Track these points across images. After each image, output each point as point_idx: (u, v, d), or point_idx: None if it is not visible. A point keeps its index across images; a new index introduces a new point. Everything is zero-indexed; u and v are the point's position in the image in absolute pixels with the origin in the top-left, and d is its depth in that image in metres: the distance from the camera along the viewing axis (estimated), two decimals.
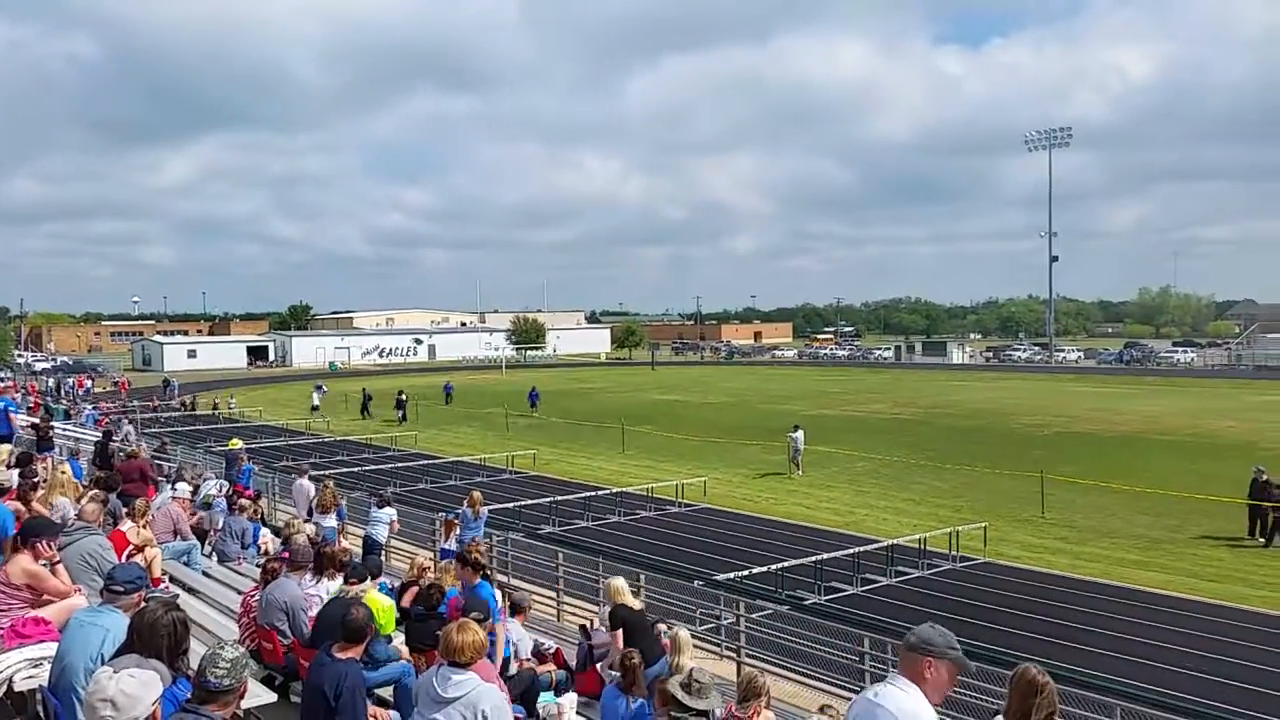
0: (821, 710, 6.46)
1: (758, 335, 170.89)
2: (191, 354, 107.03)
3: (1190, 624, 15.83)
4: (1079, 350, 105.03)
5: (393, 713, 6.52)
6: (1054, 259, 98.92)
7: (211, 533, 13.18)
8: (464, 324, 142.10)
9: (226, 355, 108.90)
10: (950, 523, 21.52)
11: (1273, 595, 17.43)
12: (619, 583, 8.90)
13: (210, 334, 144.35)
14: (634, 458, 35.38)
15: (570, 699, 7.57)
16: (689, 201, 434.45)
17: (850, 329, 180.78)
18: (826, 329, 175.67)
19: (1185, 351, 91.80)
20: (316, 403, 54.33)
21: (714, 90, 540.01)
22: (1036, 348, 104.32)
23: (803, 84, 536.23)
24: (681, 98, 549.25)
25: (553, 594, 14.92)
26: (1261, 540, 21.12)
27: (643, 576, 14.57)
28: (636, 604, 8.96)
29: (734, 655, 12.55)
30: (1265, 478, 21.67)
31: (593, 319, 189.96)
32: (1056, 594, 17.66)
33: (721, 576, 17.09)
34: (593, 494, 25.62)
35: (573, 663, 8.72)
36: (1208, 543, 21.42)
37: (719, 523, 24.17)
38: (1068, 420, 44.95)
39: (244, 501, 13.75)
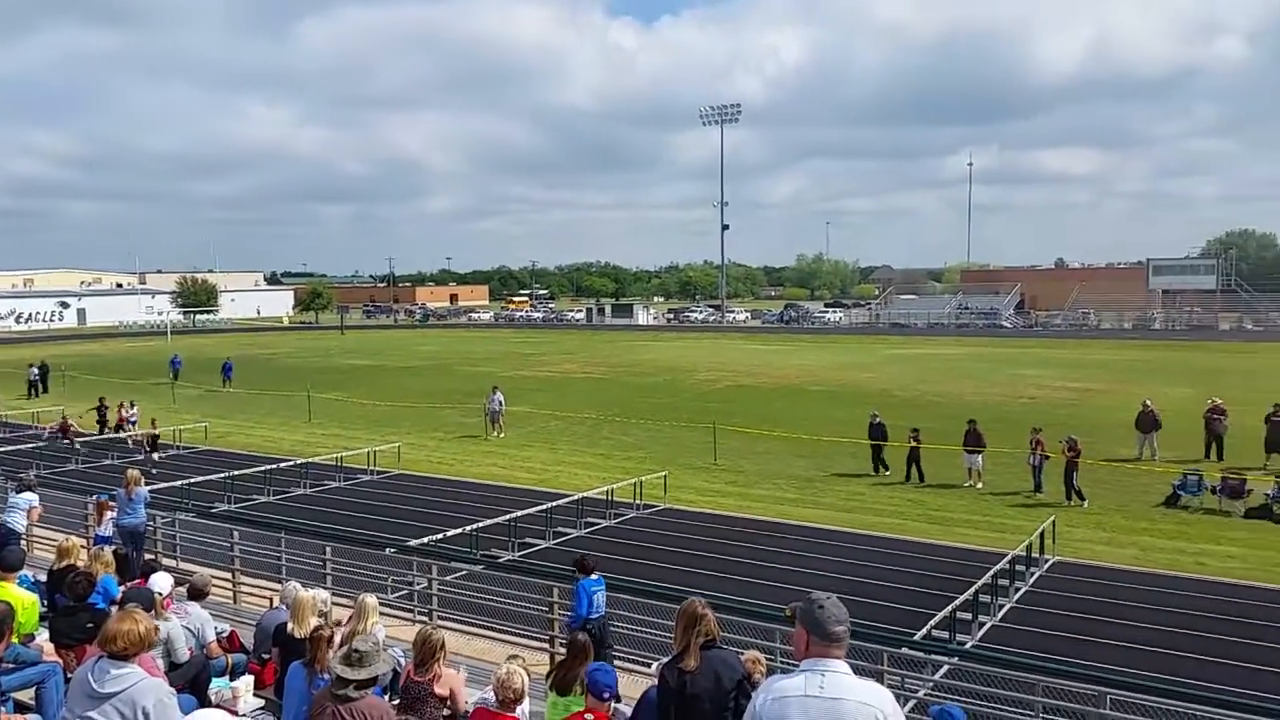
0: (510, 659, 6.65)
1: (454, 298, 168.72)
2: None
3: (838, 551, 17.98)
4: (747, 311, 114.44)
5: (33, 717, 5.86)
6: (725, 227, 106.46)
7: None
8: (120, 285, 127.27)
9: None
10: (635, 474, 22.74)
11: (896, 522, 20.22)
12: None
13: None
14: (322, 426, 33.82)
15: (246, 682, 7.20)
16: (375, 158, 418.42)
17: (545, 291, 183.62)
18: (522, 291, 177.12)
19: (835, 312, 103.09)
20: None
21: (395, 43, 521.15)
22: (711, 309, 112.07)
23: (483, 43, 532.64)
24: (361, 48, 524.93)
25: (229, 575, 14.01)
26: (886, 474, 24.43)
27: (329, 549, 14.10)
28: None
29: (426, 619, 12.52)
30: (879, 420, 24.99)
31: (273, 280, 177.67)
32: (727, 533, 19.32)
33: (414, 542, 16.91)
34: (274, 466, 24.20)
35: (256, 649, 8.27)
36: (852, 480, 24.38)
37: (413, 488, 23.82)
38: (737, 375, 48.94)
39: None
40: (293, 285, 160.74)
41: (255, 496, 22.49)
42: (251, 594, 13.62)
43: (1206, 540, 18.56)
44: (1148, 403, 26.31)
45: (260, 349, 71.64)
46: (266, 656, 7.85)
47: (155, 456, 27.28)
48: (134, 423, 30.51)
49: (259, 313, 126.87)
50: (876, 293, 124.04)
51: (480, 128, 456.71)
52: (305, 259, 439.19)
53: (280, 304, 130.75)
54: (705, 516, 20.68)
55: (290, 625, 7.36)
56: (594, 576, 10.26)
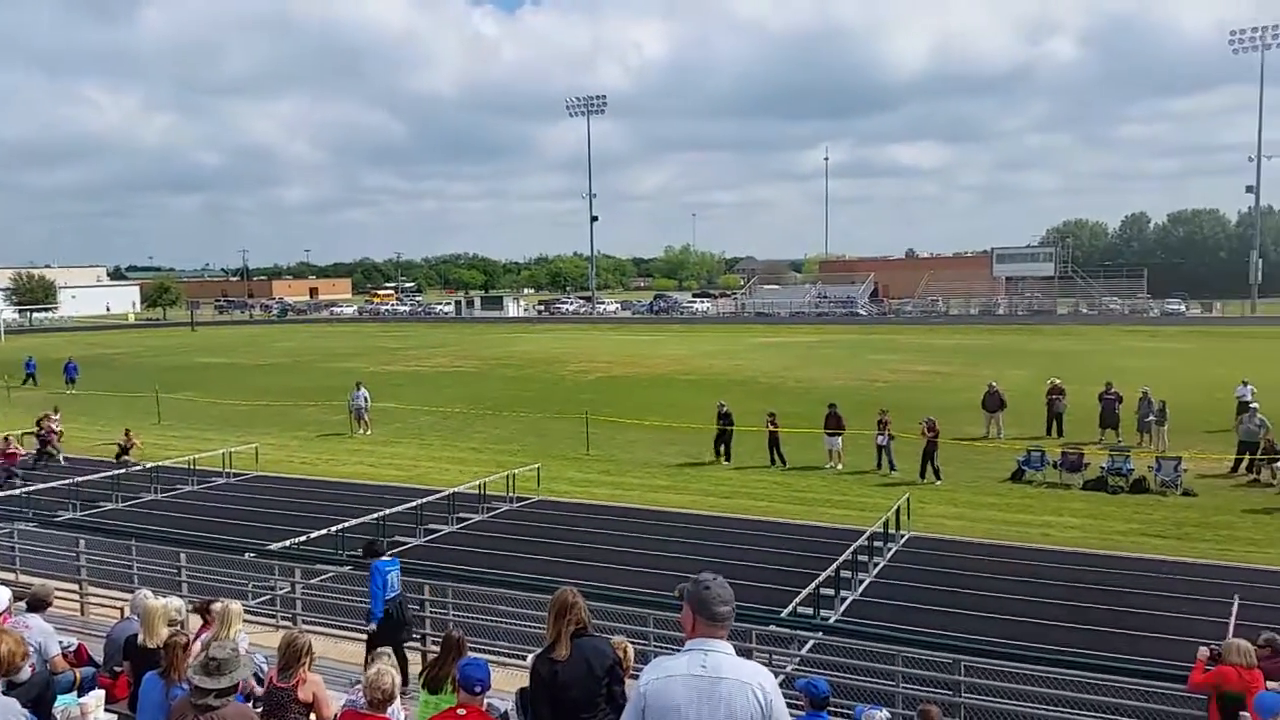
0: (375, 658, 6.54)
1: (314, 291, 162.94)
2: None
3: (708, 535, 18.38)
4: (617, 302, 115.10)
5: None
6: (595, 219, 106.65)
7: None
8: None
9: None
10: (508, 467, 22.58)
11: (763, 505, 20.83)
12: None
13: None
14: (173, 428, 32.13)
15: (96, 696, 6.82)
16: (227, 146, 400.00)
17: (411, 284, 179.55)
18: (387, 284, 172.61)
19: (703, 302, 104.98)
20: None
21: (245, 27, 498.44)
22: (582, 300, 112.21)
23: (340, 29, 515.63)
24: (208, 32, 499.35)
25: (75, 586, 13.20)
26: (724, 461, 24.99)
27: (183, 555, 13.46)
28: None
29: (290, 624, 12.12)
30: (726, 409, 25.51)
31: (117, 275, 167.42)
32: (601, 522, 19.46)
33: (275, 545, 16.30)
34: (122, 471, 22.86)
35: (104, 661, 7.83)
36: (720, 465, 24.90)
37: (274, 490, 22.97)
38: (609, 366, 49.23)
39: None
40: (138, 280, 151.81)
41: (103, 504, 21.23)
42: (100, 605, 12.88)
43: (1049, 512, 19.87)
44: (993, 384, 27.92)
45: (105, 348, 67.38)
46: (118, 669, 7.46)
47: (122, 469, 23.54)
48: (58, 433, 27.25)
49: (109, 309, 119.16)
50: (741, 283, 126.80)
51: (339, 116, 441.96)
52: (152, 252, 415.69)
53: (125, 300, 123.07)
54: (579, 507, 20.76)
55: (141, 636, 7.02)
56: (386, 558, 10.21)
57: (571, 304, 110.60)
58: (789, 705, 3.72)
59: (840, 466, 24.13)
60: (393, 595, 9.89)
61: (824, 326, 74.82)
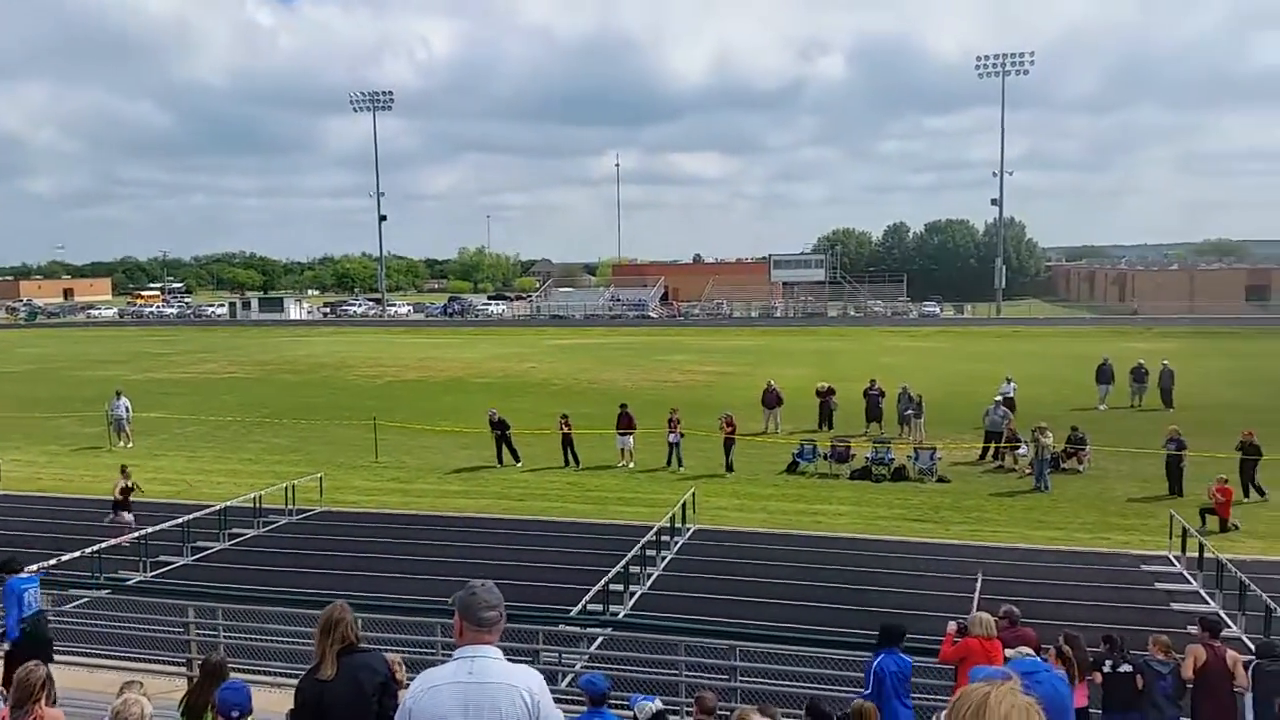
0: (126, 686, 6.08)
1: (69, 293, 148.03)
2: None
3: (500, 539, 18.32)
4: (409, 304, 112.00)
5: None
6: (383, 218, 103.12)
7: None
8: None
9: None
10: (288, 477, 21.51)
11: (556, 505, 21.00)
12: None
13: None
14: None
15: None
16: None
17: (180, 285, 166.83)
18: (152, 285, 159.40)
19: (498, 304, 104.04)
20: None
21: None
22: (371, 303, 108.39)
23: (96, 10, 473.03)
24: None
25: None
26: (513, 463, 24.86)
27: None
28: None
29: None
30: (499, 417, 25.29)
31: None
32: (389, 530, 18.93)
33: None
34: None
35: None
36: (511, 469, 24.80)
37: (19, 510, 20.80)
38: (399, 369, 47.90)
39: None
40: None
41: None
42: None
43: (821, 500, 21.19)
44: (771, 383, 29.45)
45: None
46: None
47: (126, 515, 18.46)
48: None
49: None
50: (537, 285, 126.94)
51: (96, 103, 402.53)
52: None
53: None
54: (365, 516, 20.09)
55: None
56: (24, 575, 9.74)
57: (360, 306, 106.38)
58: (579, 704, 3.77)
59: (632, 465, 24.67)
60: (30, 613, 9.38)
61: (617, 329, 76.14)
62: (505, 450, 25.19)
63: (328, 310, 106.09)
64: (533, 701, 3.43)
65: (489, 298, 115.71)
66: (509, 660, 3.59)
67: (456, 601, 3.65)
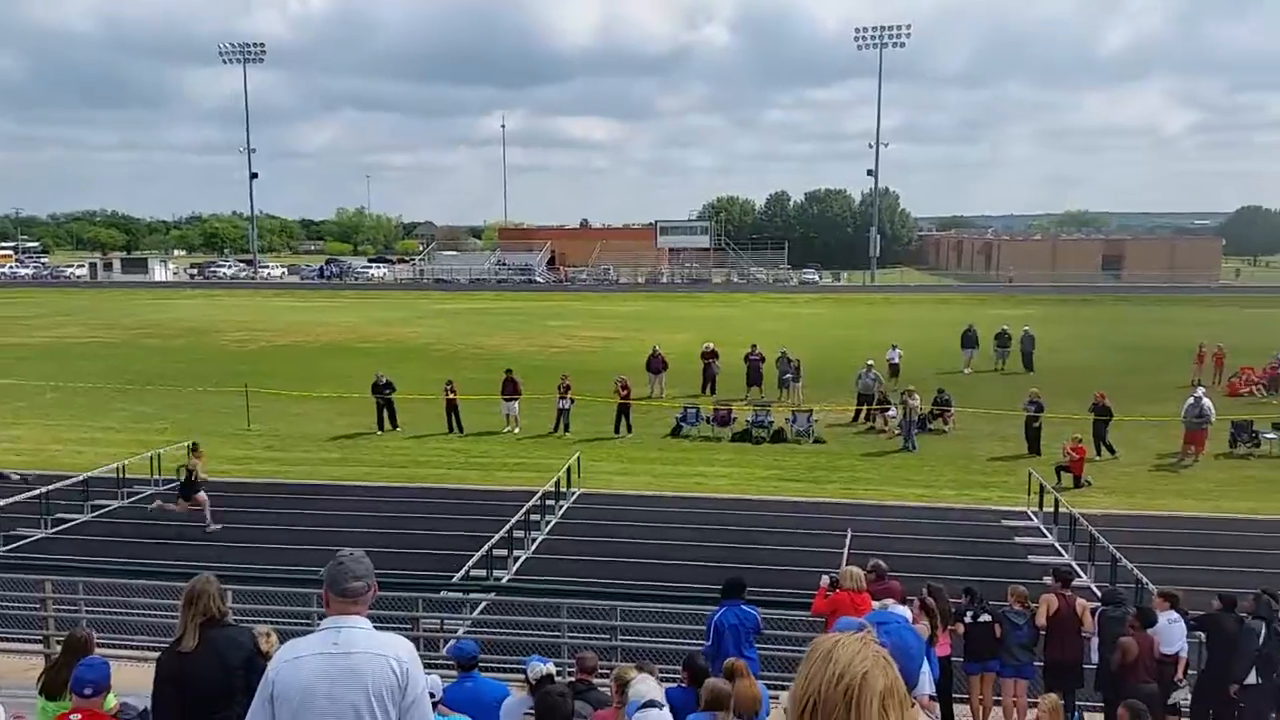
0: None
1: None
2: None
3: (381, 507, 18.03)
4: (284, 266, 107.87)
5: None
6: (254, 176, 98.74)
7: None
8: None
9: None
10: (154, 446, 20.54)
11: (440, 472, 20.80)
12: None
13: None
14: None
15: None
16: None
17: (35, 244, 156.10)
18: (4, 244, 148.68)
19: (379, 267, 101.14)
20: None
21: None
22: (242, 264, 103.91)
23: None
24: None
25: None
26: (392, 429, 24.59)
27: None
28: None
29: None
30: (386, 380, 24.89)
31: None
32: (259, 501, 18.39)
33: None
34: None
35: None
36: (393, 435, 24.37)
37: None
38: (273, 334, 46.21)
39: None
40: None
41: None
42: None
43: (703, 463, 21.61)
44: (657, 348, 29.74)
45: None
46: None
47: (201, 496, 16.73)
48: None
49: None
50: (420, 249, 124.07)
51: None
52: None
53: None
54: (235, 486, 19.38)
55: None
56: None
57: (230, 268, 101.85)
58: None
59: (518, 430, 24.57)
60: None
61: (504, 294, 75.31)
62: (386, 416, 24.72)
63: (195, 272, 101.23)
64: (401, 670, 3.37)
65: (369, 260, 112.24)
66: (383, 629, 3.55)
67: (325, 573, 3.59)
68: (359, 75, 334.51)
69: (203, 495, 16.53)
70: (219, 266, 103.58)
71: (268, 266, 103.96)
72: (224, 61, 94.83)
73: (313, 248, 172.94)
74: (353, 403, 27.23)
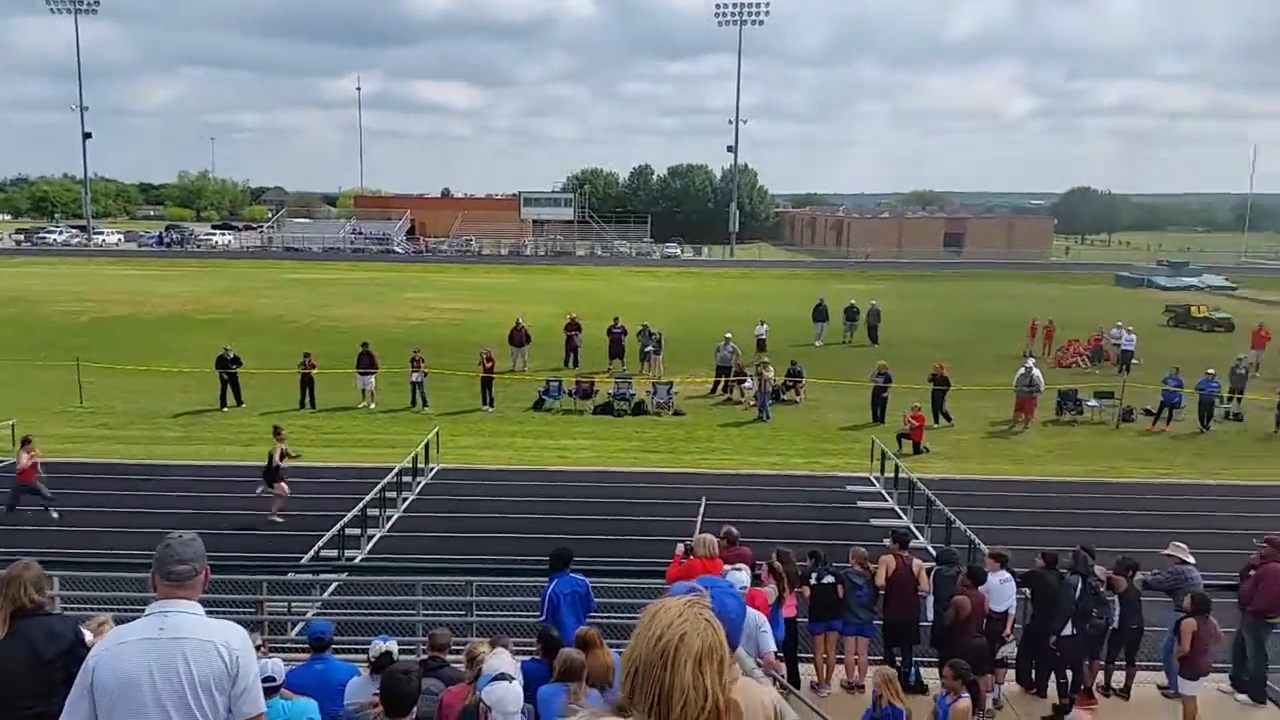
0: None
1: None
2: None
3: (224, 487, 17.26)
4: (120, 233, 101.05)
5: None
6: (88, 135, 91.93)
7: None
8: None
9: None
10: None
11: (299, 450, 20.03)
12: None
13: None
14: None
15: None
16: None
17: None
18: None
19: (224, 234, 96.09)
20: None
21: None
22: (75, 230, 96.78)
23: None
24: None
25: None
26: (235, 405, 23.60)
27: None
28: None
29: None
30: (233, 355, 23.81)
31: None
32: (91, 482, 17.31)
33: None
34: None
35: None
36: (241, 412, 23.34)
37: None
38: (106, 305, 43.32)
39: None
40: None
41: None
42: None
43: (566, 436, 21.65)
44: (520, 320, 29.50)
45: None
46: None
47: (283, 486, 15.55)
48: None
49: None
50: (269, 215, 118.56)
51: None
52: None
53: None
54: (67, 466, 18.14)
55: None
56: None
57: (61, 234, 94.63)
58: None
59: (374, 406, 23.97)
60: None
61: (360, 264, 72.94)
62: (230, 392, 23.65)
63: (22, 238, 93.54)
64: (231, 658, 3.24)
65: (214, 227, 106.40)
66: (224, 615, 3.42)
67: (155, 557, 3.43)
68: (203, 29, 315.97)
69: (284, 486, 15.42)
70: (49, 233, 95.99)
71: (102, 233, 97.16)
72: (52, 10, 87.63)
73: (152, 213, 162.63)
74: (194, 378, 25.94)
